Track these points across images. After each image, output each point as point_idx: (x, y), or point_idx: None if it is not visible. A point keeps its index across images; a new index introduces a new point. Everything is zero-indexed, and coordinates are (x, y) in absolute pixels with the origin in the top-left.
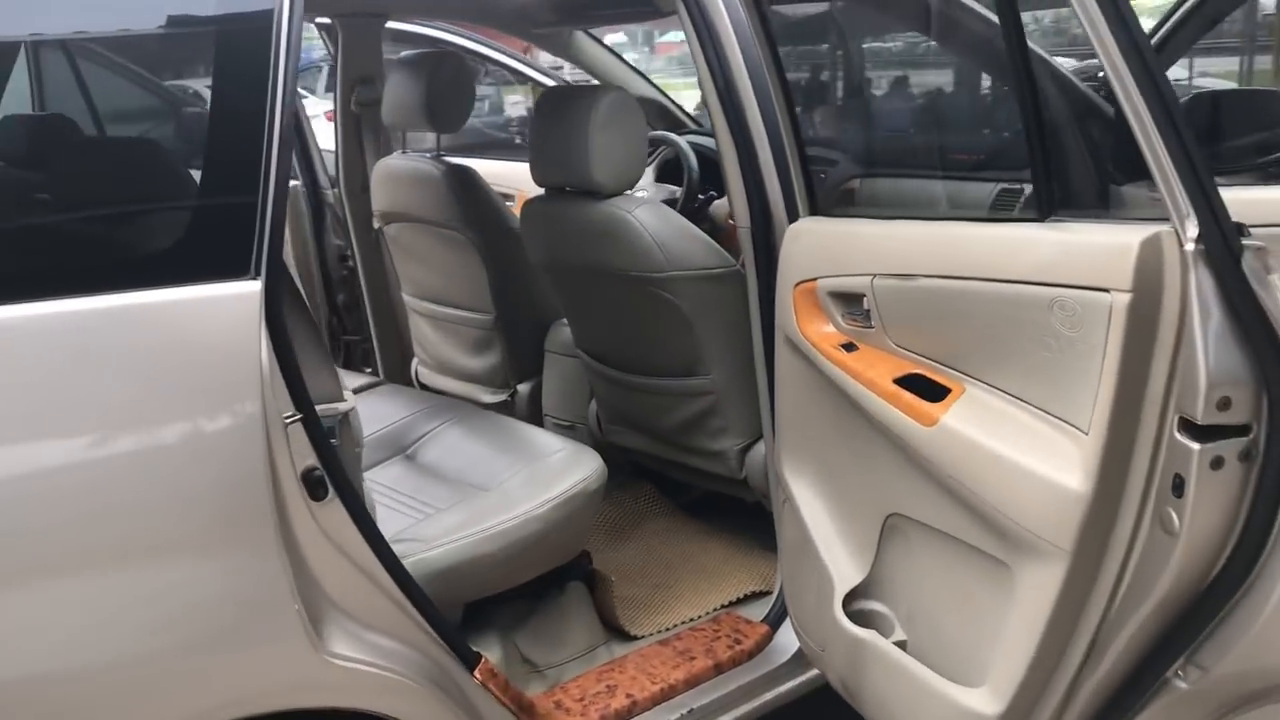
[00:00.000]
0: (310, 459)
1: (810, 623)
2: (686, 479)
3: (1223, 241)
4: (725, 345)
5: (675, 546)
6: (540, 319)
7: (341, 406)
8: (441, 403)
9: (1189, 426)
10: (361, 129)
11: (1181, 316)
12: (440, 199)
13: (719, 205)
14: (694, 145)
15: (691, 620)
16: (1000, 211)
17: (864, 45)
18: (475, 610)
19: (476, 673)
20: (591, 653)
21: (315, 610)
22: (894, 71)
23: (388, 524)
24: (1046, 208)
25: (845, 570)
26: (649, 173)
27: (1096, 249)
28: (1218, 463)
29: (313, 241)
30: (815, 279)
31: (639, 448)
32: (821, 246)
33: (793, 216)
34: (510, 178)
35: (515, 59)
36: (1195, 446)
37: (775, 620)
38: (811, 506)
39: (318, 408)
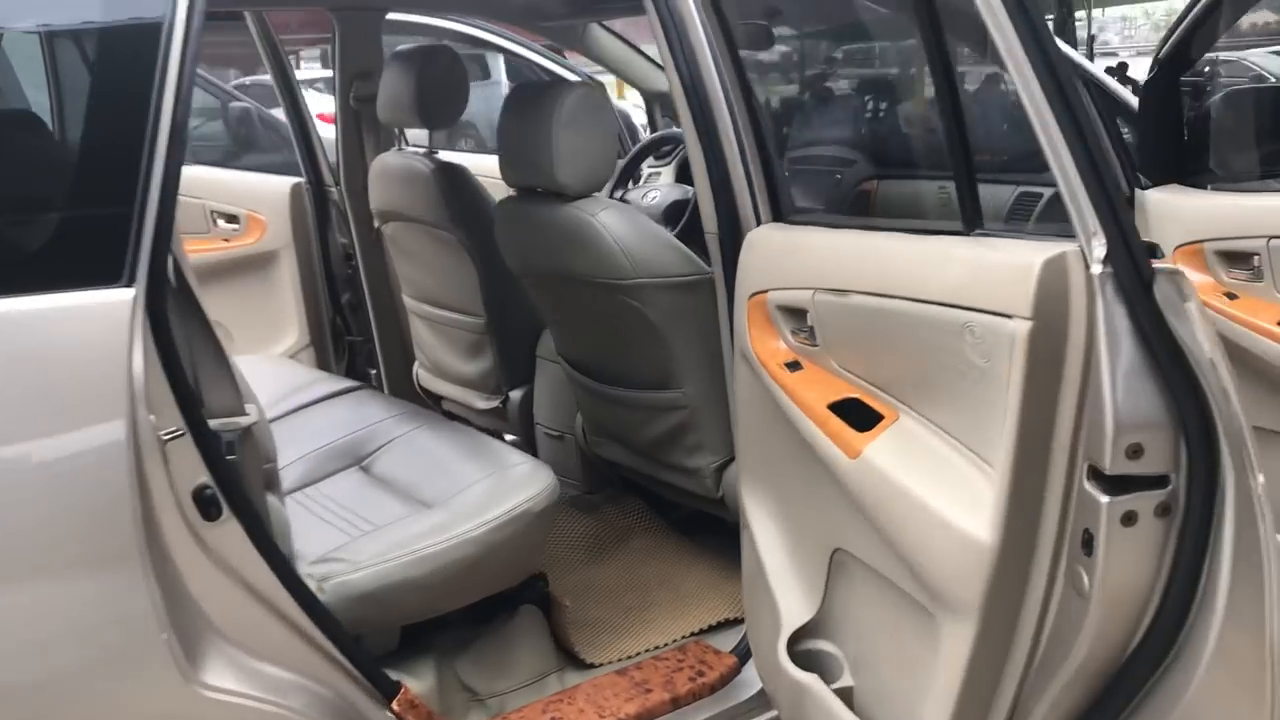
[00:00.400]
0: (202, 476)
1: (764, 660)
2: (671, 496)
3: (1131, 264)
4: (699, 357)
5: (656, 567)
6: (533, 323)
7: (243, 420)
8: (409, 411)
9: (1098, 476)
10: (361, 125)
11: (1088, 349)
12: (430, 198)
13: None
14: None
15: (657, 648)
16: (1017, 217)
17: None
18: (414, 634)
19: (394, 704)
20: (541, 681)
21: (192, 639)
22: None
23: (320, 540)
24: (971, 220)
25: (794, 606)
26: (669, 172)
27: (1002, 269)
28: (1130, 518)
29: (316, 240)
30: (766, 291)
31: (622, 461)
32: (772, 256)
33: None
34: None
35: (553, 59)
36: (1104, 499)
37: (745, 652)
38: (767, 535)
39: (215, 422)
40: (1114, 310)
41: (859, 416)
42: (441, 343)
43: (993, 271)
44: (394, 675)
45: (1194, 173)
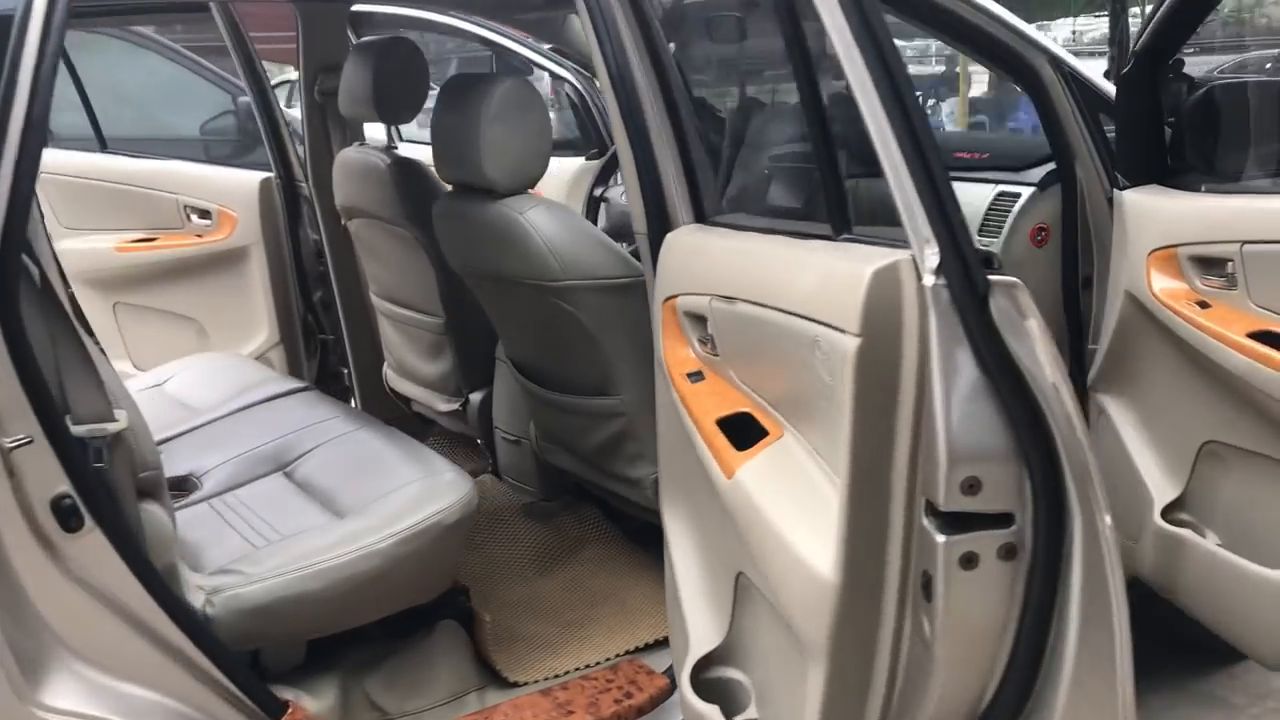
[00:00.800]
0: (61, 485)
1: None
2: (617, 505)
3: (964, 275)
4: (634, 363)
5: (604, 579)
6: (492, 324)
7: (111, 427)
8: (346, 415)
9: (935, 513)
10: (327, 119)
11: (921, 369)
12: (385, 194)
13: None
14: None
15: (588, 666)
16: (994, 218)
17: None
18: (323, 648)
19: None
20: (458, 700)
21: (33, 657)
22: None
23: (225, 550)
24: (839, 223)
25: (703, 631)
26: None
27: (839, 279)
28: (969, 560)
29: (287, 235)
30: (676, 296)
31: (570, 469)
32: (684, 260)
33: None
34: None
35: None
36: (940, 538)
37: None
38: (683, 554)
39: (80, 428)
40: (948, 327)
41: (749, 433)
42: (405, 342)
43: (832, 281)
44: (292, 692)
45: (1178, 173)
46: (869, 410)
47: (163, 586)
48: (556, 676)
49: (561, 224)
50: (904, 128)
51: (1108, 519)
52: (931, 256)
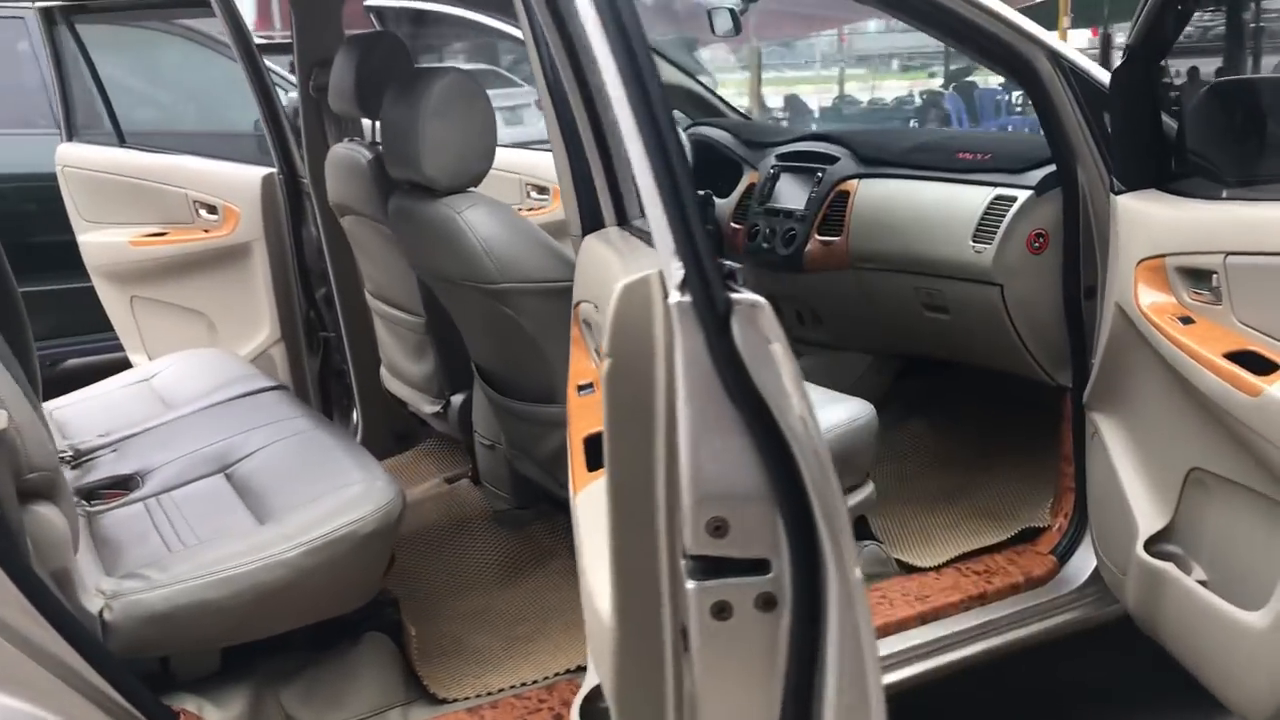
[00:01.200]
0: None
1: None
2: None
3: (704, 292)
4: None
5: (565, 593)
6: None
7: None
8: (301, 416)
9: (686, 555)
10: (323, 114)
11: (669, 398)
12: (367, 190)
13: (722, 206)
14: (701, 137)
15: (524, 684)
16: (989, 222)
17: None
18: (240, 657)
19: None
20: (379, 715)
21: None
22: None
23: (141, 554)
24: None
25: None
26: None
27: (609, 291)
28: (723, 610)
29: (289, 232)
30: (580, 303)
31: (534, 477)
32: (586, 265)
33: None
34: (548, 169)
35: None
36: (690, 584)
37: None
38: (592, 570)
39: None
40: (692, 350)
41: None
42: (394, 342)
43: (607, 294)
44: (195, 702)
45: (1181, 177)
46: (624, 438)
47: (41, 590)
48: (490, 694)
49: (500, 224)
50: (651, 131)
51: (858, 572)
52: (677, 271)
